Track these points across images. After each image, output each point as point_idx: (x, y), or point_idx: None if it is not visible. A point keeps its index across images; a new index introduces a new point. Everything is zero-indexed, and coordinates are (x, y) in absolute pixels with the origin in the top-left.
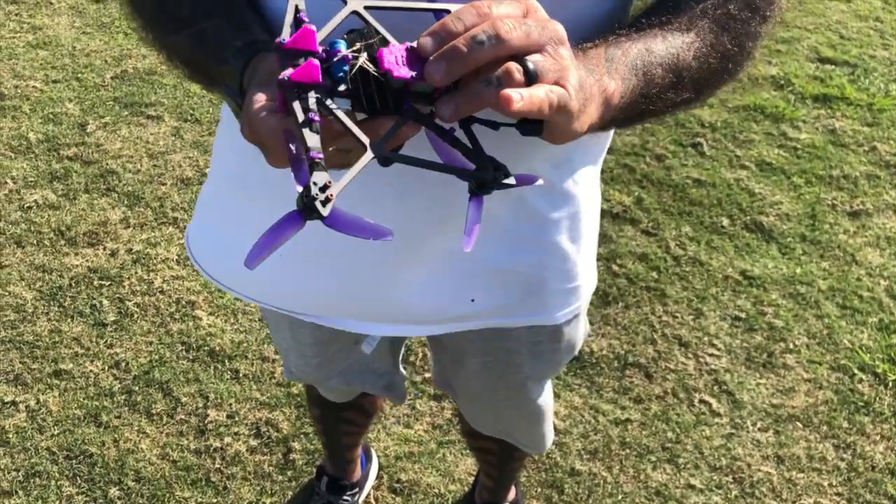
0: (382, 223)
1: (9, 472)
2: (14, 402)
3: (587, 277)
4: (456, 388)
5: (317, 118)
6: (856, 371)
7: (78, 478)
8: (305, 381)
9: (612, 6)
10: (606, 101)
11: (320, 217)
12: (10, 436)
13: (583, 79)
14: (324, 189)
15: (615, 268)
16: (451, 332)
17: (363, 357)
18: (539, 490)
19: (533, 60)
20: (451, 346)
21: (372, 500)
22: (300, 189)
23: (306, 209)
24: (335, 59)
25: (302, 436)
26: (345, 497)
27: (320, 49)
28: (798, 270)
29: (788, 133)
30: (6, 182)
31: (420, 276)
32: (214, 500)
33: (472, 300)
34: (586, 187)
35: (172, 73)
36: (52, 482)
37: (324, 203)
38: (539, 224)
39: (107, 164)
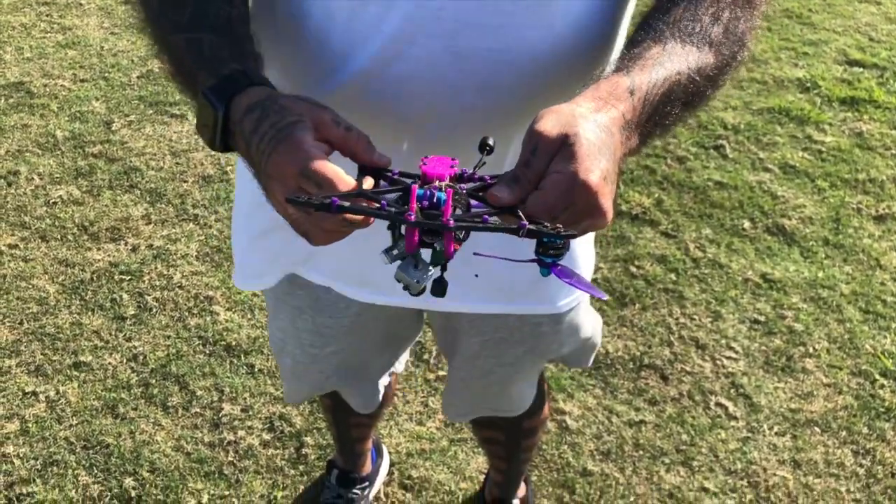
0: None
1: (27, 461)
2: (35, 393)
3: (587, 264)
4: (449, 373)
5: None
6: (877, 376)
7: (94, 468)
8: (301, 395)
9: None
10: (624, 158)
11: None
12: (30, 425)
13: (609, 175)
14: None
15: (633, 269)
16: (449, 312)
17: (358, 352)
18: (550, 490)
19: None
20: (452, 328)
21: (382, 496)
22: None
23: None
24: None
25: (314, 431)
26: (355, 490)
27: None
28: (820, 274)
29: (814, 136)
30: (33, 178)
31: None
32: (227, 493)
33: (476, 275)
34: None
35: None
36: (70, 471)
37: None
38: None
39: (130, 161)
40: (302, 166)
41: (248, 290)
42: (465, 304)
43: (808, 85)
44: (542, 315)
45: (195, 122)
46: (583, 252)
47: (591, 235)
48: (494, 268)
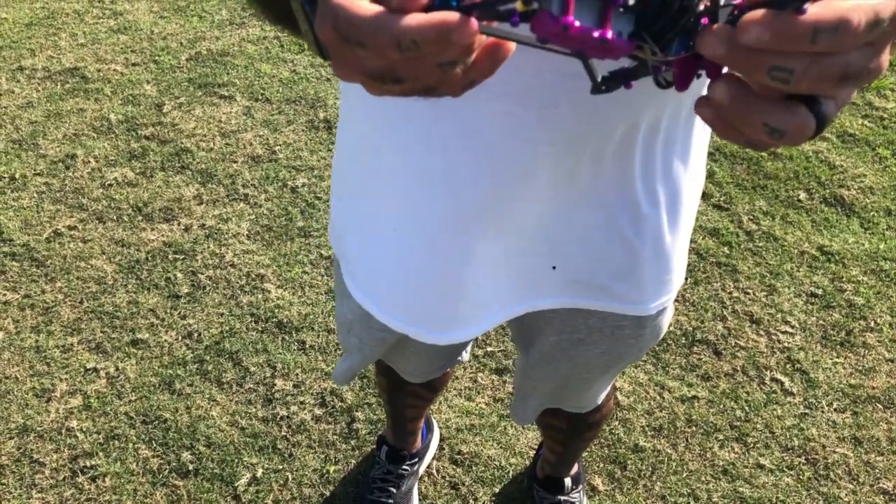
0: (471, 187)
1: (90, 435)
2: (95, 369)
3: (680, 270)
4: (519, 373)
5: None
6: None
7: (153, 441)
8: (351, 375)
9: None
10: None
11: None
12: (92, 400)
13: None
14: None
15: None
16: (530, 311)
17: (421, 346)
18: (601, 465)
19: (827, 105)
20: (528, 325)
21: (433, 471)
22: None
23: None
24: None
25: (365, 406)
26: (404, 466)
27: None
28: (882, 246)
29: (874, 102)
30: (89, 161)
31: (500, 247)
32: (280, 467)
33: (553, 267)
34: (695, 165)
35: (244, 54)
36: (130, 445)
37: None
38: (642, 199)
39: (181, 142)
40: None
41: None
42: (539, 301)
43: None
44: (625, 316)
45: (304, 44)
46: (679, 259)
47: (687, 239)
48: (574, 260)
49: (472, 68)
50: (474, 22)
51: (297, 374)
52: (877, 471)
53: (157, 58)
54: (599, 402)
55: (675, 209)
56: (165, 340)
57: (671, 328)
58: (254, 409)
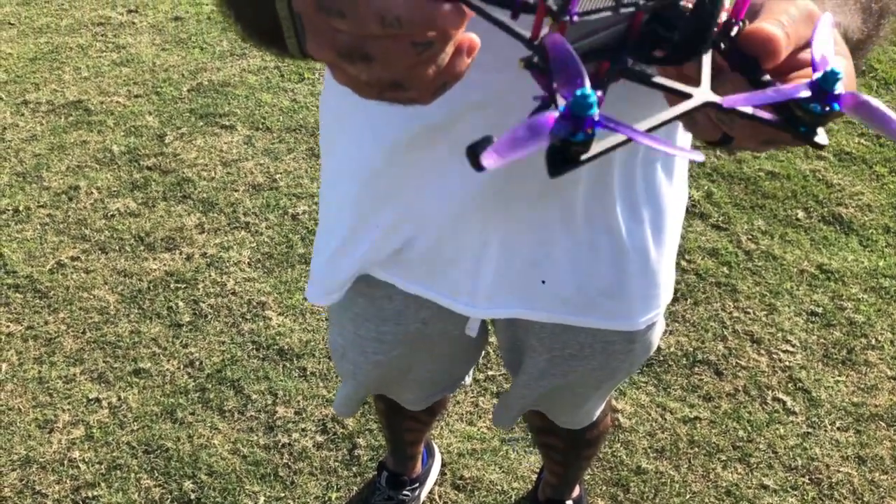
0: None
1: (92, 465)
2: (98, 399)
3: (667, 285)
4: (510, 389)
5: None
6: None
7: (155, 471)
8: (353, 407)
9: None
10: None
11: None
12: (94, 430)
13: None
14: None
15: (684, 263)
16: (518, 320)
17: (421, 363)
18: (604, 488)
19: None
20: (519, 345)
21: (435, 497)
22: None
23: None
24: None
25: (366, 432)
26: (405, 492)
27: None
28: (881, 263)
29: None
30: (92, 192)
31: (493, 249)
32: (282, 495)
33: (543, 282)
34: (678, 182)
35: (245, 85)
36: (132, 475)
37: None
38: (624, 216)
39: (183, 172)
40: None
41: (320, 304)
42: (526, 310)
43: (864, 68)
44: (615, 332)
45: (287, 41)
46: (666, 274)
47: (674, 254)
48: (562, 276)
49: (444, 70)
50: (466, 11)
51: (298, 401)
52: (881, 489)
53: (158, 89)
54: (595, 418)
55: (659, 225)
56: (167, 369)
57: (672, 349)
58: (255, 437)
